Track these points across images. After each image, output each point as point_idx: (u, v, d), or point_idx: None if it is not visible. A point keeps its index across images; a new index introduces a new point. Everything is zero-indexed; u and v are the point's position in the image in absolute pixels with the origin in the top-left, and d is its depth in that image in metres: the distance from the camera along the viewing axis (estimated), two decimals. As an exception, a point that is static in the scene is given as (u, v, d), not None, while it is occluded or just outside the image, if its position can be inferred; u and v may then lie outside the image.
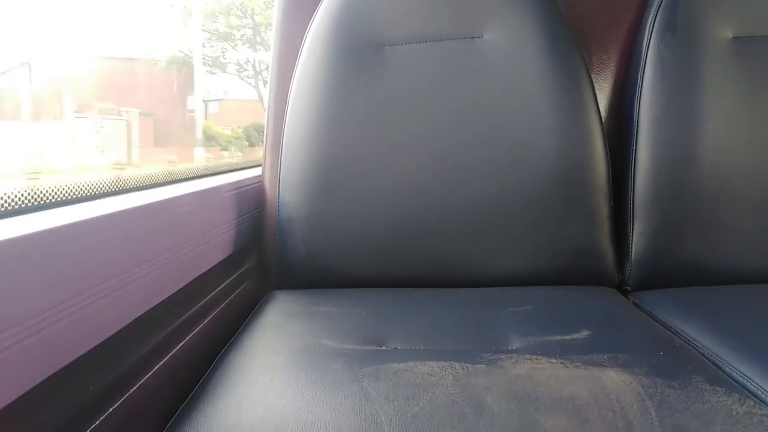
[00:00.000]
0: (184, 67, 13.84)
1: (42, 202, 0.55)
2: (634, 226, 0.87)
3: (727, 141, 0.84)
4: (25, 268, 0.40)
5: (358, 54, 0.87)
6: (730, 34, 0.86)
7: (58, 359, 0.43)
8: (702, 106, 0.85)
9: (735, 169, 0.84)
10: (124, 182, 0.69)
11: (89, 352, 0.47)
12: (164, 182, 0.78)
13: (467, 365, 0.55)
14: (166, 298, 0.62)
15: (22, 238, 0.40)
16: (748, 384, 0.55)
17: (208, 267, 0.76)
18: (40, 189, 0.55)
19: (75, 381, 0.45)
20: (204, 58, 13.95)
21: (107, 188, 0.66)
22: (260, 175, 0.98)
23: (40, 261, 0.41)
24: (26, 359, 0.39)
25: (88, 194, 0.62)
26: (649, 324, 0.69)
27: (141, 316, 0.56)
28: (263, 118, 0.99)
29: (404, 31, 0.87)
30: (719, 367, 0.59)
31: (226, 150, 12.13)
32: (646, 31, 0.89)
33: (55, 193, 0.57)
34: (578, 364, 0.55)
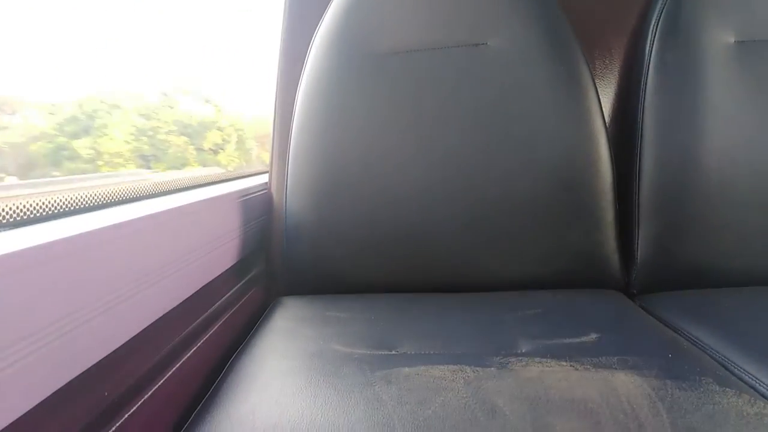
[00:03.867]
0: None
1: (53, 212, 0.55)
2: (640, 230, 0.87)
3: (731, 144, 0.85)
4: (36, 279, 0.40)
5: (363, 62, 0.88)
6: (732, 38, 0.86)
7: (70, 369, 0.43)
8: (706, 109, 0.85)
9: (739, 172, 0.85)
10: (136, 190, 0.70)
11: (101, 360, 0.48)
12: (175, 189, 0.79)
13: (478, 369, 0.55)
14: (176, 306, 0.63)
15: (32, 248, 0.40)
16: (758, 385, 0.55)
17: (217, 274, 0.76)
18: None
19: (88, 390, 0.46)
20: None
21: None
22: (267, 183, 0.98)
23: (49, 272, 0.42)
24: (40, 369, 0.39)
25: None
26: (657, 326, 0.69)
27: (152, 324, 0.57)
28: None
29: (409, 39, 0.88)
30: (728, 369, 0.59)
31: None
32: (649, 36, 0.90)
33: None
34: (588, 366, 0.55)
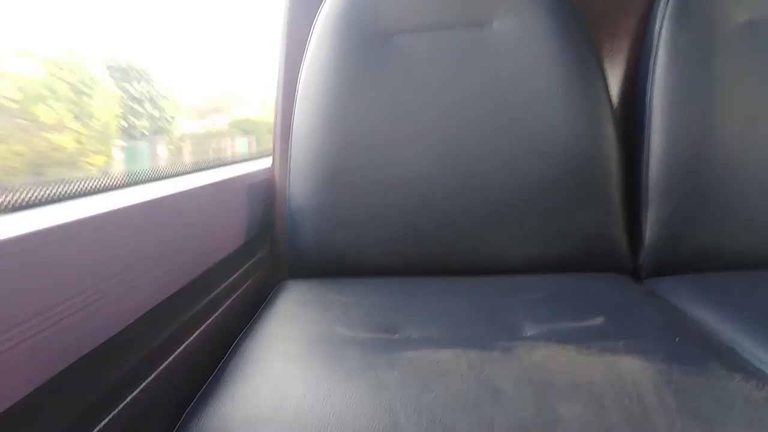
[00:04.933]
0: None
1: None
2: (648, 213, 0.86)
3: (741, 127, 0.83)
4: (39, 262, 0.40)
5: (366, 44, 0.87)
6: (744, 18, 0.84)
7: (72, 352, 0.43)
8: (716, 91, 0.84)
9: (749, 155, 0.83)
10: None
11: (104, 343, 0.48)
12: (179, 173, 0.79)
13: (481, 353, 0.55)
14: (180, 288, 0.63)
15: (35, 232, 0.40)
16: (766, 369, 0.55)
17: (221, 257, 0.76)
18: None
19: (90, 373, 0.46)
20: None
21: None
22: (270, 166, 0.98)
23: (55, 255, 0.42)
24: (39, 353, 0.39)
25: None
26: (664, 310, 0.69)
27: (156, 306, 0.57)
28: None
29: (413, 20, 0.87)
30: (736, 353, 0.59)
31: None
32: (659, 17, 0.88)
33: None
34: (593, 350, 0.54)
